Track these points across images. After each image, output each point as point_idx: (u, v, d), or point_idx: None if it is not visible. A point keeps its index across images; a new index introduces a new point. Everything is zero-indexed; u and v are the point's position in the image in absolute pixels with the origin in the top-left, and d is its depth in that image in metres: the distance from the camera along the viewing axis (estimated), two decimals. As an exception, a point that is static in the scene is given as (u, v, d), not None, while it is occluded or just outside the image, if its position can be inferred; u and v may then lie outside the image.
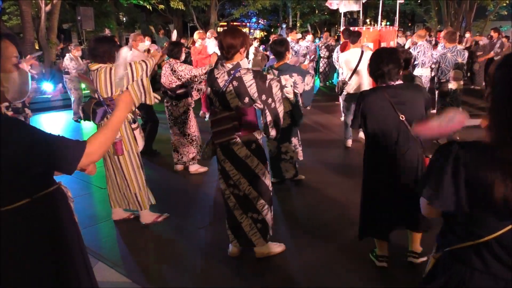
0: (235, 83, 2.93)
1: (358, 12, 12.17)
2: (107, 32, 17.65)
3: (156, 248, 3.54)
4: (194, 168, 5.27)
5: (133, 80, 3.62)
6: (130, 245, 3.62)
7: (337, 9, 10.63)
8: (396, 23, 11.22)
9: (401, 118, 2.73)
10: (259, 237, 3.17)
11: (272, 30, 25.64)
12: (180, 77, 4.90)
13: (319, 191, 4.63)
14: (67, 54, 8.45)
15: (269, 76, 3.08)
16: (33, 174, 1.49)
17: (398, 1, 10.47)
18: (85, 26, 12.20)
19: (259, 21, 26.95)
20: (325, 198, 4.42)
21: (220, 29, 18.92)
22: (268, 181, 3.18)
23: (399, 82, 2.85)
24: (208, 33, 8.72)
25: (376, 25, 11.92)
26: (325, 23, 26.16)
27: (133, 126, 3.71)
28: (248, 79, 2.93)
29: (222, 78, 2.98)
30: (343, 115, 6.93)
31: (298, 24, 22.80)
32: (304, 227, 3.81)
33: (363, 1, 10.43)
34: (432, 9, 20.63)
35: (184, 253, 3.43)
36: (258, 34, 27.00)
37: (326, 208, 4.19)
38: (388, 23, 25.35)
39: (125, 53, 3.83)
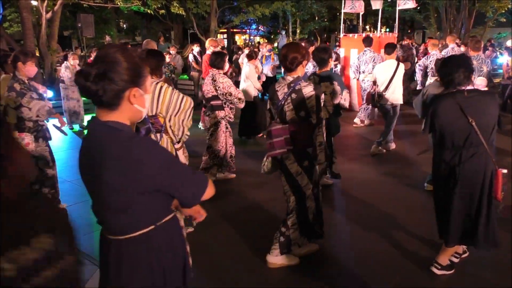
0: (293, 95, 2.96)
1: (358, 18, 12.21)
2: (107, 39, 17.73)
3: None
4: (221, 175, 5.22)
5: (178, 111, 3.27)
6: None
7: (338, 15, 10.67)
8: (396, 30, 11.26)
9: (470, 122, 2.76)
10: (276, 248, 3.20)
11: (272, 36, 25.71)
12: (217, 88, 4.80)
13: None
14: (65, 62, 8.43)
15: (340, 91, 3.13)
16: (159, 200, 1.45)
17: (397, 8, 10.51)
18: (86, 33, 12.23)
19: (259, 27, 27.04)
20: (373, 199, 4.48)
21: (220, 36, 19.01)
22: (309, 202, 3.15)
23: (471, 87, 2.89)
24: (207, 43, 8.64)
25: (375, 31, 11.95)
26: (324, 30, 26.25)
27: (177, 146, 3.49)
28: (308, 91, 2.94)
29: (282, 91, 3.02)
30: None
31: (298, 31, 22.87)
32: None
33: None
34: (431, 16, 20.71)
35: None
36: (258, 40, 27.06)
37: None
38: (387, 29, 25.44)
39: None
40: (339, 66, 9.74)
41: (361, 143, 6.87)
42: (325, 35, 25.06)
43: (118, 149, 1.35)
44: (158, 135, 3.33)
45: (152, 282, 1.47)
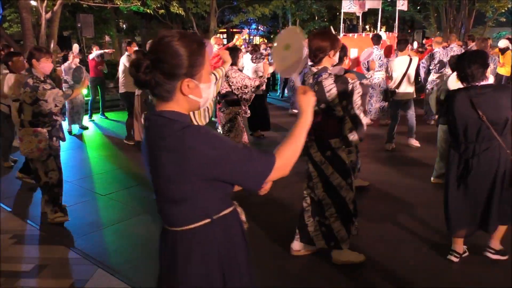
0: (316, 87, 2.91)
1: (358, 18, 12.21)
2: (107, 39, 17.73)
3: (156, 254, 3.50)
4: None
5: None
6: (130, 252, 3.60)
7: (338, 15, 10.68)
8: (396, 29, 11.26)
9: (481, 117, 2.83)
10: (321, 239, 3.18)
11: (271, 36, 25.71)
12: (231, 84, 4.76)
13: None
14: (66, 63, 8.29)
15: (351, 81, 2.99)
16: (216, 191, 1.40)
17: (397, 8, 10.51)
18: (85, 33, 12.20)
19: (259, 27, 27.03)
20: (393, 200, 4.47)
21: (219, 36, 18.97)
22: (345, 192, 3.10)
23: (485, 82, 2.96)
24: (212, 40, 8.51)
25: (375, 31, 11.95)
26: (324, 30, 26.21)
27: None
28: (328, 84, 2.88)
29: (308, 82, 2.99)
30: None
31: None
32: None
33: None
34: (431, 15, 20.71)
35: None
36: (258, 40, 27.05)
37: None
38: (387, 29, 25.44)
39: None
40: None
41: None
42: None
43: (172, 139, 1.31)
44: None
45: (208, 278, 1.43)
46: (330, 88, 2.88)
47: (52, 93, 3.83)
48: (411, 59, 6.17)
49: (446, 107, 3.06)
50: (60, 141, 4.10)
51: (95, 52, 9.37)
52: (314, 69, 2.98)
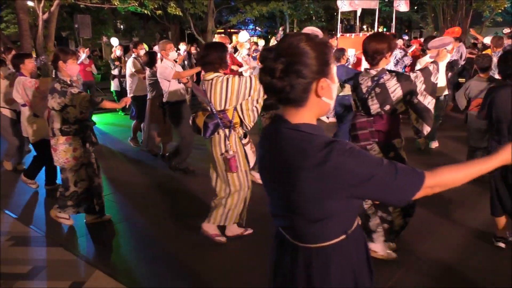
0: (377, 89, 2.92)
1: (355, 18, 12.22)
2: (104, 39, 17.71)
3: (154, 255, 3.51)
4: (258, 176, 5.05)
5: (249, 96, 3.28)
6: (128, 253, 3.60)
7: (335, 15, 10.68)
8: (393, 29, 11.28)
9: None
10: (381, 235, 3.17)
11: (269, 36, 25.72)
12: None
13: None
14: None
15: (412, 74, 2.97)
16: (354, 206, 1.34)
17: (395, 8, 10.53)
18: (83, 33, 12.21)
19: (256, 28, 27.04)
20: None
21: (217, 36, 18.95)
22: None
23: None
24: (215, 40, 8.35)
25: (373, 31, 11.99)
26: (322, 30, 26.25)
27: (244, 141, 3.46)
28: (392, 85, 2.90)
29: (365, 84, 2.97)
30: None
31: (295, 31, 22.89)
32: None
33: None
34: (428, 15, 20.74)
35: (183, 259, 3.40)
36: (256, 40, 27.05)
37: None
38: (385, 29, 25.46)
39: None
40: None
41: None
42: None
43: (317, 157, 1.22)
44: (227, 130, 3.36)
45: None
46: (395, 88, 2.90)
47: (79, 98, 3.62)
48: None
49: (489, 102, 3.27)
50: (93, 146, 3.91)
51: (83, 56, 9.17)
52: (373, 72, 2.96)
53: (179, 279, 3.15)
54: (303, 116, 1.31)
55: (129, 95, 6.87)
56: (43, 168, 4.94)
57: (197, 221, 4.11)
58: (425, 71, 2.99)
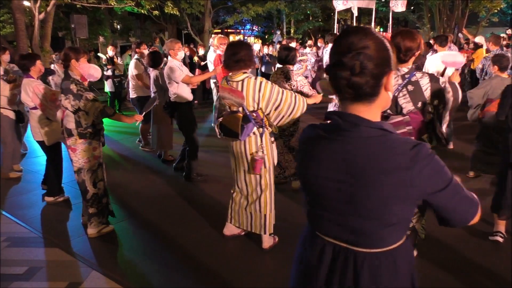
0: (410, 87, 2.92)
1: (352, 18, 12.24)
2: (101, 40, 17.65)
3: (152, 256, 3.51)
4: (297, 184, 4.76)
5: (279, 106, 3.28)
6: (125, 254, 3.59)
7: (332, 15, 10.70)
8: (390, 30, 11.31)
9: None
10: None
11: (266, 37, 25.73)
12: (292, 87, 4.48)
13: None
14: (51, 66, 7.29)
15: (441, 79, 3.00)
16: (414, 211, 1.33)
17: (391, 9, 10.55)
18: (79, 34, 12.17)
19: (253, 28, 27.04)
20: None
21: (216, 36, 18.94)
22: None
23: None
24: (213, 40, 7.67)
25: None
26: (319, 30, 26.30)
27: (272, 139, 3.45)
28: (425, 83, 2.91)
29: (395, 82, 2.95)
30: None
31: (292, 31, 22.90)
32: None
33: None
34: (425, 15, 20.80)
35: (181, 260, 3.40)
36: (253, 41, 27.07)
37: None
38: (381, 29, 25.52)
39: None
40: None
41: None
42: (320, 35, 25.11)
43: (404, 159, 1.20)
44: (260, 129, 3.32)
45: None
46: (427, 87, 2.92)
47: (93, 107, 3.54)
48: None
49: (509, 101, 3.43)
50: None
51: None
52: (404, 69, 2.95)
53: (177, 279, 3.15)
54: (374, 111, 1.28)
55: (132, 96, 6.76)
56: (40, 170, 4.91)
57: (196, 221, 4.11)
58: (453, 86, 3.02)
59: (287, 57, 4.61)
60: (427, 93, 2.94)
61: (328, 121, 1.31)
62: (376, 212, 1.25)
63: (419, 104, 2.96)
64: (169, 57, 5.26)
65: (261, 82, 3.19)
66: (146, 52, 6.76)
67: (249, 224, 3.51)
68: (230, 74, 3.30)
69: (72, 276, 3.19)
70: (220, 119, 3.34)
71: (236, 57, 3.20)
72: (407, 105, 2.95)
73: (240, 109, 3.26)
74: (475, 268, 3.20)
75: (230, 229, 3.70)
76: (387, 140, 1.23)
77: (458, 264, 3.25)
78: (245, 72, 3.27)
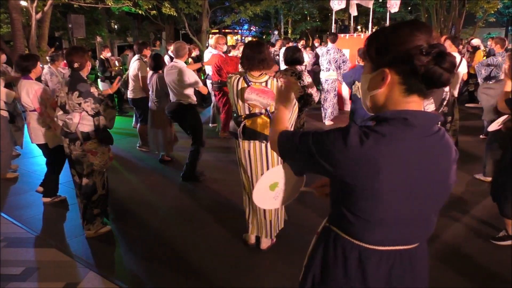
0: None
1: (350, 19, 12.26)
2: (98, 40, 17.62)
3: (148, 256, 3.50)
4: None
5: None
6: (122, 254, 3.59)
7: (330, 15, 10.70)
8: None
9: None
10: None
11: (264, 37, 25.75)
12: (303, 85, 4.56)
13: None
14: (45, 66, 6.86)
15: None
16: None
17: (388, 9, 10.57)
18: (76, 33, 12.14)
19: (251, 28, 27.06)
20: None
21: (214, 36, 18.96)
22: None
23: None
24: (211, 41, 7.66)
25: (367, 32, 12.03)
26: (316, 30, 26.34)
27: None
28: None
29: None
30: None
31: (289, 31, 22.93)
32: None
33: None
34: (422, 16, 20.85)
35: (178, 260, 3.40)
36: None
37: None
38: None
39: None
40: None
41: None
42: (317, 36, 25.15)
43: (452, 150, 1.29)
44: None
45: None
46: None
47: (111, 114, 3.60)
48: (461, 58, 6.06)
49: None
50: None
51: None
52: None
53: (174, 279, 3.15)
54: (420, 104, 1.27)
55: (131, 97, 6.63)
56: (37, 170, 4.90)
57: (193, 221, 4.11)
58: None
59: (296, 58, 4.75)
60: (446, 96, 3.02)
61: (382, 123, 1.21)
62: (439, 204, 1.33)
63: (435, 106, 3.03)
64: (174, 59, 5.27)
65: (277, 80, 3.18)
66: (149, 53, 6.68)
67: (259, 229, 3.46)
68: (250, 74, 3.17)
69: (69, 277, 3.19)
70: (244, 122, 3.18)
71: (261, 57, 3.11)
72: (430, 106, 2.99)
73: (263, 111, 3.17)
74: (476, 268, 3.22)
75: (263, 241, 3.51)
76: (442, 131, 1.28)
77: (460, 264, 3.27)
78: (266, 73, 3.20)
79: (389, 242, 1.28)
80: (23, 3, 11.21)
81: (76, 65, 3.53)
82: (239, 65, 3.62)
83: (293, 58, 4.75)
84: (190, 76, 5.06)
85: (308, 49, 11.51)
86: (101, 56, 9.72)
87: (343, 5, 10.17)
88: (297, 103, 3.35)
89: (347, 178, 1.18)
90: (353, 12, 10.56)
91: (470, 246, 3.52)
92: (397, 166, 1.16)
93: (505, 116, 4.03)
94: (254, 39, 22.18)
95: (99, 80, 9.66)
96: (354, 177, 1.17)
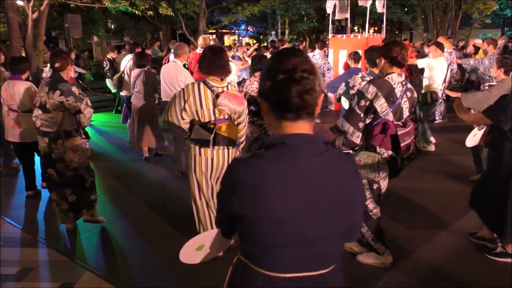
0: (409, 93, 2.95)
1: (346, 19, 12.28)
2: (95, 39, 17.58)
3: (145, 256, 3.50)
4: None
5: None
6: (118, 254, 3.59)
7: (326, 16, 10.71)
8: (384, 31, 11.35)
9: None
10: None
11: (261, 37, 25.75)
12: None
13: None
14: (47, 66, 6.98)
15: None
16: None
17: (384, 10, 10.59)
18: (73, 33, 12.13)
19: (248, 28, 27.06)
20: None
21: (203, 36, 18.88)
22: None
23: None
24: (200, 41, 8.02)
25: (363, 32, 12.04)
26: (313, 31, 26.36)
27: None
28: (413, 89, 3.01)
29: (398, 89, 2.90)
30: None
31: (286, 32, 22.94)
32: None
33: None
34: (418, 17, 20.91)
35: (175, 260, 3.39)
36: (247, 41, 27.08)
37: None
38: (376, 30, 25.63)
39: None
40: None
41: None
42: (314, 36, 25.17)
43: (351, 168, 1.29)
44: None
45: None
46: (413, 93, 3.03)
47: (90, 112, 3.69)
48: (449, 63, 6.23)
49: None
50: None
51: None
52: (403, 75, 2.98)
53: (170, 280, 3.15)
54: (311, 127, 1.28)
55: (123, 94, 6.82)
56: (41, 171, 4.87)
57: (189, 222, 4.11)
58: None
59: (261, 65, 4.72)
60: (416, 99, 3.03)
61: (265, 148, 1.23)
62: (353, 227, 1.32)
63: (412, 110, 3.02)
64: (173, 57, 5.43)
65: (237, 90, 3.19)
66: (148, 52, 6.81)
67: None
68: (210, 78, 3.08)
69: (64, 277, 3.18)
70: (212, 127, 3.08)
71: (222, 62, 3.05)
72: (405, 111, 2.97)
73: (227, 116, 3.12)
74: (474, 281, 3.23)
75: None
76: (337, 153, 1.28)
77: (455, 275, 3.28)
78: (223, 78, 3.14)
79: (294, 268, 1.25)
80: (20, 3, 11.15)
81: (57, 65, 3.63)
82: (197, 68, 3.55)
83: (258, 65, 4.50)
84: (187, 75, 5.24)
85: (309, 50, 11.52)
86: (108, 56, 9.78)
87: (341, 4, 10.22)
88: (246, 111, 3.29)
89: (236, 208, 1.21)
90: (329, 10, 10.44)
91: (468, 254, 3.52)
92: (279, 189, 1.17)
93: (481, 131, 3.94)
94: (253, 40, 22.10)
95: (107, 79, 9.72)
96: (242, 205, 1.19)
